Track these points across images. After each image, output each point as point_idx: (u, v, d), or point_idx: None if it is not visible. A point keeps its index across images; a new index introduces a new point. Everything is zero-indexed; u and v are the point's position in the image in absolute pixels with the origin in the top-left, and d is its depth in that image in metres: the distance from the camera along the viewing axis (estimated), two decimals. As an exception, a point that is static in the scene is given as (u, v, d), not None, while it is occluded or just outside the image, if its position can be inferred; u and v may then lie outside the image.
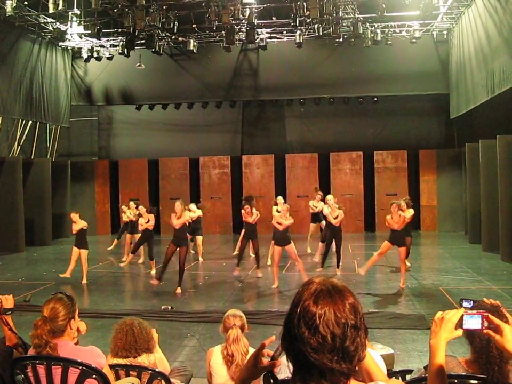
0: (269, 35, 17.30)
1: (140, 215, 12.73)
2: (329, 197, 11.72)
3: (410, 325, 7.77)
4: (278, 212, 12.00)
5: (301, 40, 16.41)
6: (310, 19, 14.69)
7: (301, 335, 1.47)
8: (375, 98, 18.71)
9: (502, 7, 11.78)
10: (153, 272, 12.07)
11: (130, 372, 3.77)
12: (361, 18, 15.57)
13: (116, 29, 16.85)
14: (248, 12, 14.98)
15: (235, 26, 16.10)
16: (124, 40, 16.98)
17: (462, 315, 1.93)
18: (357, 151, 19.33)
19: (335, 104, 19.16)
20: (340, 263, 11.82)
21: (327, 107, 19.37)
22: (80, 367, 3.17)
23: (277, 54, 17.78)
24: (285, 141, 20.64)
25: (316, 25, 15.80)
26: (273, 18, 16.24)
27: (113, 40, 17.85)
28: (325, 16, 14.71)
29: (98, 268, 13.10)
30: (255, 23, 15.48)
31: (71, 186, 19.52)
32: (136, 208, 13.23)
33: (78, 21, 16.11)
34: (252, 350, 4.05)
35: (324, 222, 12.84)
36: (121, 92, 19.10)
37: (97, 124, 21.83)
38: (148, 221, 12.30)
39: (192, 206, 13.57)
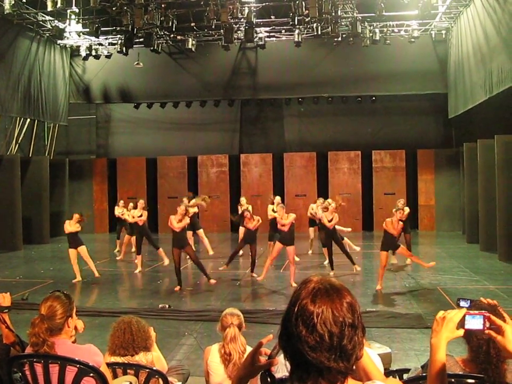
0: (268, 34, 17.30)
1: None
2: (329, 201, 11.87)
3: (407, 324, 7.78)
4: (274, 211, 12.02)
5: (300, 39, 16.41)
6: (309, 18, 14.67)
7: (299, 334, 1.47)
8: (374, 98, 18.72)
9: (501, 7, 11.79)
10: (138, 270, 12.11)
11: (128, 370, 3.77)
12: (360, 18, 15.57)
13: (114, 27, 16.83)
14: (246, 11, 14.98)
15: (234, 25, 16.09)
16: (123, 38, 16.97)
17: (464, 315, 1.93)
18: (355, 150, 19.34)
19: (333, 103, 19.16)
20: (353, 260, 11.69)
21: (326, 106, 19.37)
22: (78, 366, 3.17)
23: (275, 53, 17.77)
24: (283, 140, 20.63)
25: (315, 24, 15.79)
26: (272, 17, 16.24)
27: (111, 38, 17.82)
28: (324, 15, 14.72)
29: (96, 266, 13.03)
30: (254, 22, 15.48)
31: (69, 185, 19.52)
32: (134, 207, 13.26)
33: (77, 19, 16.09)
34: (249, 349, 4.06)
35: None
36: (119, 90, 19.08)
37: (96, 122, 21.81)
38: (141, 215, 12.29)
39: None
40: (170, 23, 15.44)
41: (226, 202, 19.62)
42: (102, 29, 16.12)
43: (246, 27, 15.97)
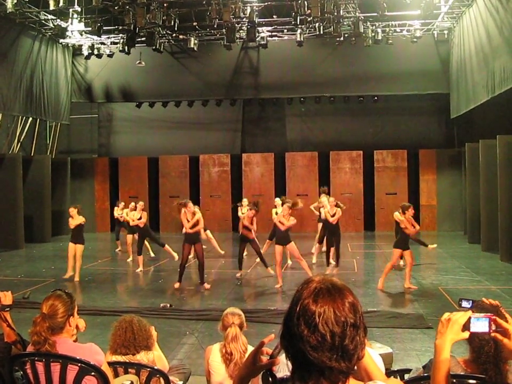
0: (270, 33, 17.29)
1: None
2: (330, 199, 11.87)
3: (409, 324, 7.77)
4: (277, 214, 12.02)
5: (302, 39, 16.40)
6: (311, 18, 14.66)
7: (300, 334, 1.47)
8: (376, 98, 18.72)
9: (503, 7, 11.77)
10: (139, 269, 12.15)
11: (129, 369, 3.77)
12: (362, 17, 15.56)
13: (116, 26, 16.83)
14: (249, 10, 14.97)
15: (236, 25, 16.09)
16: (125, 37, 16.97)
17: (469, 317, 1.92)
18: (357, 150, 19.32)
19: (335, 103, 19.15)
20: (339, 261, 11.82)
21: (328, 106, 19.37)
22: (79, 364, 3.17)
23: (277, 52, 17.76)
24: (285, 139, 20.63)
25: (317, 24, 15.78)
26: (274, 16, 16.23)
27: (113, 37, 17.84)
28: (326, 15, 14.71)
29: (98, 265, 13.10)
30: (256, 21, 15.48)
31: (71, 184, 19.53)
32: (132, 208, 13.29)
33: (79, 18, 16.11)
34: (250, 348, 4.06)
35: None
36: (121, 89, 19.09)
37: (97, 121, 21.83)
38: (140, 217, 12.28)
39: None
40: (173, 22, 15.43)
41: (228, 202, 19.60)
42: (104, 28, 16.12)
43: (248, 26, 15.96)
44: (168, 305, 8.98)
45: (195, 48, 17.24)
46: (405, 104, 19.36)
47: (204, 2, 14.85)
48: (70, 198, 19.24)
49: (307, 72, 17.67)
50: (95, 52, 17.91)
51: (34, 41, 16.72)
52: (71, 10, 15.27)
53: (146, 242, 12.95)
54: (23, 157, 16.68)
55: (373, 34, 16.20)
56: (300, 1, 14.23)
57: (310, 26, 16.31)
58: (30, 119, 18.49)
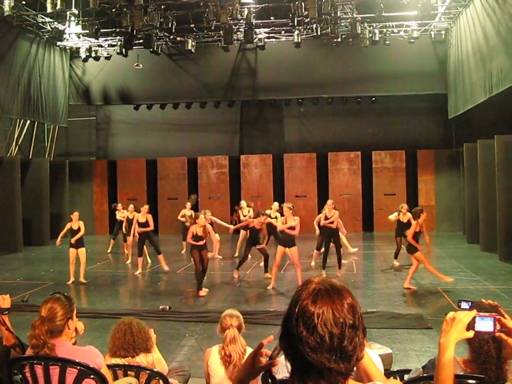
0: (267, 35, 17.31)
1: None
2: (329, 201, 11.87)
3: (408, 325, 7.77)
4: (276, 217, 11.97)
5: (299, 40, 16.42)
6: (308, 19, 14.69)
7: (299, 335, 1.47)
8: (373, 98, 18.74)
9: (500, 7, 11.79)
10: (138, 272, 12.11)
11: (128, 372, 3.76)
12: (360, 18, 15.58)
13: (114, 29, 16.84)
14: (246, 12, 14.99)
15: (233, 26, 16.10)
16: (122, 39, 16.98)
17: (474, 317, 1.92)
18: (355, 151, 19.33)
19: (333, 104, 19.16)
20: (341, 264, 11.71)
21: (326, 107, 19.37)
22: (78, 367, 3.17)
23: (275, 54, 17.78)
24: (283, 140, 20.64)
25: (314, 25, 15.80)
26: (271, 18, 16.26)
27: (111, 39, 17.85)
28: (323, 16, 14.73)
29: (96, 268, 13.08)
30: (253, 23, 15.49)
31: (69, 186, 19.51)
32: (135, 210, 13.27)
33: (76, 21, 16.11)
34: (249, 350, 4.05)
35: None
36: (119, 91, 19.09)
37: (95, 123, 21.82)
38: (146, 221, 12.21)
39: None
40: (170, 24, 15.45)
41: (226, 204, 19.60)
42: (101, 30, 16.14)
43: (246, 28, 15.98)
44: (167, 307, 8.98)
45: (193, 50, 17.25)
46: (403, 105, 19.38)
47: (201, 4, 14.86)
48: (68, 200, 19.22)
49: (305, 74, 17.69)
50: (93, 54, 17.93)
51: (32, 44, 16.71)
52: (68, 13, 15.26)
53: (144, 248, 12.89)
54: (21, 160, 16.66)
55: (370, 35, 16.23)
56: (297, 3, 14.24)
57: (308, 27, 16.34)
58: (28, 121, 18.47)
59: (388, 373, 3.49)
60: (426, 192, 18.94)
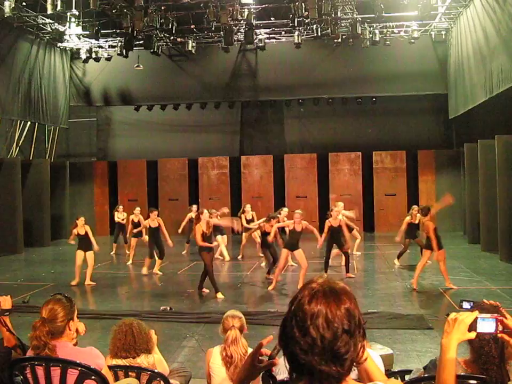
0: (268, 35, 17.32)
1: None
2: (340, 203, 11.85)
3: (409, 325, 7.76)
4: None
5: (300, 41, 16.42)
6: (309, 19, 14.70)
7: (293, 335, 1.46)
8: (374, 99, 18.74)
9: (500, 7, 11.78)
10: (144, 270, 12.11)
11: (129, 373, 3.76)
12: (360, 19, 15.57)
13: (114, 30, 16.85)
14: (246, 13, 14.99)
15: (233, 27, 16.11)
16: (123, 41, 16.98)
17: (476, 318, 1.92)
18: (356, 151, 19.32)
19: (333, 104, 19.16)
20: (349, 267, 11.56)
21: (326, 107, 19.37)
22: (79, 368, 3.16)
23: (275, 54, 17.78)
24: (283, 141, 20.64)
25: (314, 26, 15.80)
26: (271, 18, 16.25)
27: (111, 41, 17.85)
28: (324, 17, 14.73)
29: (97, 269, 13.03)
30: (254, 24, 15.49)
31: (70, 187, 19.51)
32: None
33: (77, 22, 16.10)
34: (250, 351, 4.05)
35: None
36: (120, 92, 19.10)
37: (96, 124, 21.82)
38: (159, 225, 12.16)
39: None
40: (170, 25, 15.46)
41: (226, 204, 19.51)
42: (102, 31, 16.15)
43: (246, 29, 15.98)
44: (168, 308, 8.98)
45: (193, 51, 17.26)
46: (403, 105, 19.37)
47: (202, 5, 14.86)
48: (69, 202, 19.23)
49: (305, 74, 17.69)
50: (93, 55, 17.94)
51: (32, 45, 16.72)
52: (68, 14, 15.25)
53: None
54: (22, 161, 16.66)
55: (371, 35, 16.23)
56: (297, 3, 14.25)
57: (308, 28, 16.34)
58: (29, 123, 18.46)
59: (389, 373, 3.49)
60: (427, 192, 18.92)
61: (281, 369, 2.33)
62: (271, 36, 17.37)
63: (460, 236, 17.33)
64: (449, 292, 9.60)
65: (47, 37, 17.12)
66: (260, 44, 17.27)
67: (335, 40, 16.34)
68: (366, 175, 19.20)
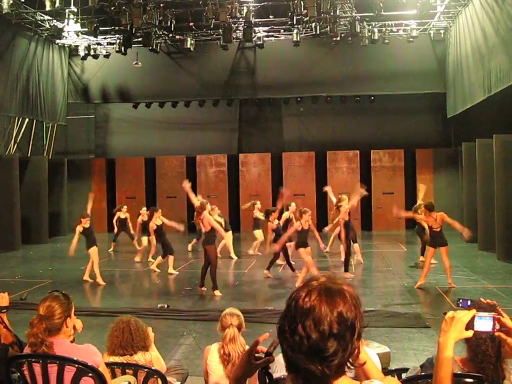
0: (266, 33, 17.29)
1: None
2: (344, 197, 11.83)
3: (406, 324, 7.77)
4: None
5: (298, 39, 16.41)
6: (308, 18, 14.68)
7: (284, 332, 1.47)
8: (372, 97, 18.75)
9: (499, 6, 11.79)
10: (171, 271, 11.96)
11: (127, 370, 3.77)
12: (359, 17, 15.57)
13: (113, 27, 16.80)
14: (245, 10, 14.98)
15: (232, 25, 16.07)
16: (121, 38, 16.95)
17: (473, 316, 1.92)
18: (354, 149, 19.33)
19: (332, 102, 19.16)
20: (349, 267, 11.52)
21: (324, 106, 19.37)
22: (76, 365, 3.17)
23: (274, 52, 17.76)
24: (282, 139, 20.63)
25: (313, 24, 15.79)
26: (270, 16, 16.23)
27: (110, 38, 17.81)
28: (322, 15, 14.73)
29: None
30: (253, 22, 15.49)
31: (68, 184, 19.48)
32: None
33: (75, 19, 16.05)
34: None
35: None
36: (118, 90, 19.07)
37: (94, 122, 21.79)
38: (162, 222, 12.15)
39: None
40: (169, 22, 15.43)
41: (225, 202, 19.58)
42: (100, 28, 16.10)
43: (245, 27, 15.97)
44: (166, 305, 8.97)
45: (192, 49, 17.24)
46: (402, 104, 19.37)
47: (200, 2, 14.85)
48: (67, 199, 19.21)
49: (304, 72, 17.68)
50: (92, 52, 17.89)
51: (31, 42, 16.68)
52: (67, 10, 15.24)
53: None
54: (19, 158, 16.63)
55: (370, 34, 16.22)
56: (296, 1, 14.24)
57: (307, 26, 16.33)
58: (27, 120, 18.44)
59: (386, 372, 3.50)
60: (425, 191, 18.89)
61: (278, 367, 2.34)
62: (269, 33, 17.35)
63: (457, 234, 17.27)
64: (447, 290, 9.62)
65: (46, 34, 17.07)
66: (259, 42, 17.24)
67: (334, 39, 16.34)
68: (364, 173, 19.20)
